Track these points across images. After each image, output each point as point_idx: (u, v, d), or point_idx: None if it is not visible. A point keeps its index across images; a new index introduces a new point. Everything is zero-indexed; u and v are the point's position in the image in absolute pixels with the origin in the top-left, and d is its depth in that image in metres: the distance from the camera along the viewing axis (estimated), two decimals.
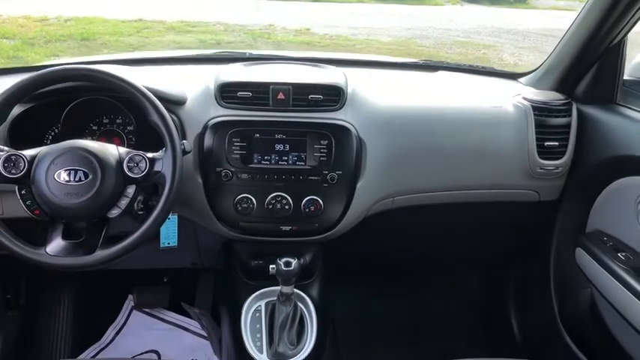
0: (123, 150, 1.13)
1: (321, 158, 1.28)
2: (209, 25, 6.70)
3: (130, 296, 1.95)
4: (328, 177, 1.28)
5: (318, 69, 1.43)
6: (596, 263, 1.32)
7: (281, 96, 1.30)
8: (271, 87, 1.29)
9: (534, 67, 1.59)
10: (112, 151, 1.12)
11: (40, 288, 1.82)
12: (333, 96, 1.30)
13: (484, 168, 1.40)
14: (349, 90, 1.32)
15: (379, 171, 1.33)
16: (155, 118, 1.12)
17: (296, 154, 1.29)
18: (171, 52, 2.50)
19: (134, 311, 1.94)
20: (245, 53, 1.71)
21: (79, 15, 6.62)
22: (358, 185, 1.30)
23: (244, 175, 1.28)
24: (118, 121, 1.35)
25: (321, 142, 1.28)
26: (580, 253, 1.39)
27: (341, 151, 1.28)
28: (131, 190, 1.12)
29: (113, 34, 6.22)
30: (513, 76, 1.66)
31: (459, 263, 1.82)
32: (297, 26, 6.88)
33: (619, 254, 1.28)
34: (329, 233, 1.33)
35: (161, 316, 1.94)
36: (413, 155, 1.37)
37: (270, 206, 1.27)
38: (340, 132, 1.28)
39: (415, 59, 1.82)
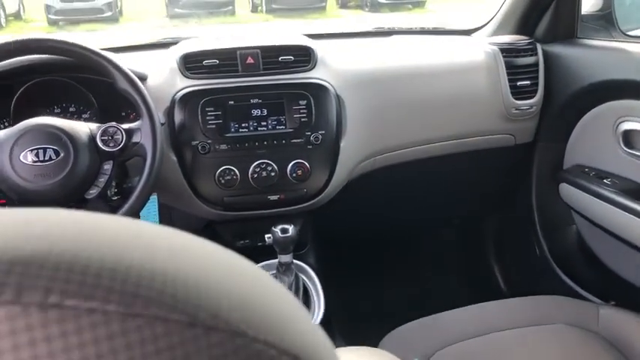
0: (93, 125, 1.03)
1: (302, 119, 1.23)
2: None
3: None
4: (312, 138, 1.23)
5: (282, 34, 1.38)
6: (584, 193, 1.33)
7: (250, 60, 1.23)
8: (238, 52, 1.23)
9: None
10: (81, 126, 1.02)
11: None
12: (304, 56, 1.26)
13: (461, 115, 1.39)
14: (319, 50, 1.29)
15: (360, 129, 1.29)
16: (124, 84, 1.02)
17: (275, 117, 1.22)
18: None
19: None
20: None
21: None
22: (342, 145, 1.26)
23: (223, 146, 1.20)
24: (74, 106, 1.24)
25: (300, 102, 1.22)
26: (565, 187, 1.40)
27: (321, 110, 1.23)
28: (108, 166, 1.02)
29: None
30: (467, 32, 1.67)
31: (442, 217, 1.81)
32: None
33: (604, 181, 1.30)
34: (317, 199, 1.27)
35: None
36: (391, 110, 1.34)
37: (255, 175, 1.20)
38: (318, 90, 1.23)
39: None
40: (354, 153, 1.30)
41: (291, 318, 0.24)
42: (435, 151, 1.41)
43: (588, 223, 1.38)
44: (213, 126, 1.19)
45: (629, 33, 1.39)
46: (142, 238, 0.23)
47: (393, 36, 1.68)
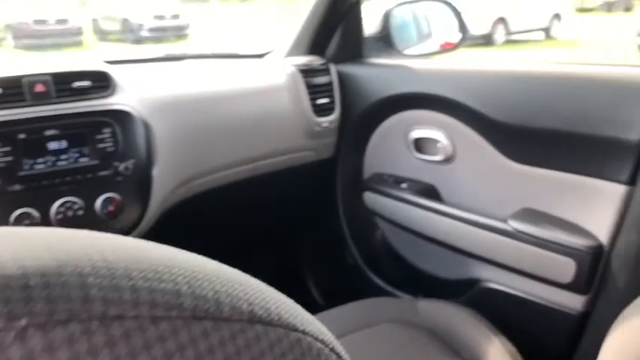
0: None
1: (108, 149, 1.12)
2: None
3: None
4: (121, 168, 1.13)
5: (74, 60, 1.27)
6: (385, 199, 1.45)
7: (40, 88, 1.10)
8: (24, 80, 1.09)
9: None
10: None
11: None
12: (102, 81, 1.17)
13: (268, 136, 1.41)
14: (116, 76, 1.20)
15: (172, 155, 1.23)
16: None
17: (76, 149, 1.10)
18: None
19: None
20: None
21: None
22: (154, 173, 1.18)
23: (16, 186, 1.04)
24: None
25: (103, 131, 1.12)
26: (367, 196, 1.50)
27: (128, 138, 1.14)
28: None
29: None
30: (259, 56, 1.70)
31: (258, 236, 1.80)
32: None
33: (402, 185, 1.43)
34: (131, 235, 1.17)
35: None
36: (199, 135, 1.30)
37: (60, 216, 1.06)
38: (122, 117, 1.15)
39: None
40: (167, 180, 1.23)
41: (296, 306, 0.24)
42: (246, 172, 1.41)
43: (392, 227, 1.50)
44: (2, 164, 1.03)
45: (405, 52, 1.56)
46: (148, 248, 0.19)
47: (185, 60, 1.65)
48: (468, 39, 1.62)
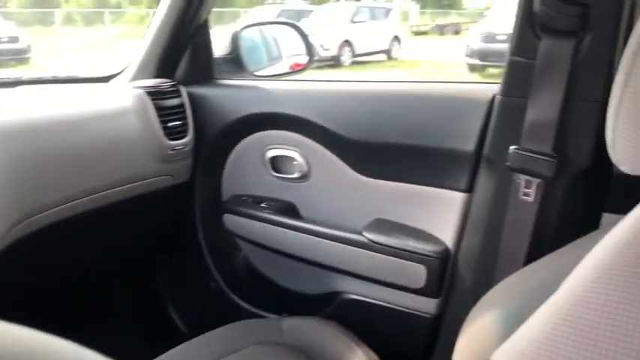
0: None
1: None
2: None
3: None
4: None
5: None
6: (245, 219, 1.44)
7: None
8: None
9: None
10: None
11: None
12: None
13: (118, 162, 1.34)
14: None
15: (5, 190, 1.11)
16: None
17: None
18: None
19: None
20: None
21: None
22: None
23: None
24: None
25: None
26: (227, 217, 1.48)
27: None
28: None
29: None
30: (104, 79, 1.62)
31: (116, 268, 1.68)
32: None
33: (261, 205, 1.44)
34: None
35: None
36: (39, 165, 1.19)
37: None
38: None
39: None
40: (2, 219, 1.11)
41: None
42: (96, 202, 1.31)
43: (253, 247, 1.50)
44: None
45: (256, 73, 1.57)
46: None
47: (19, 87, 1.51)
48: (316, 61, 1.67)
